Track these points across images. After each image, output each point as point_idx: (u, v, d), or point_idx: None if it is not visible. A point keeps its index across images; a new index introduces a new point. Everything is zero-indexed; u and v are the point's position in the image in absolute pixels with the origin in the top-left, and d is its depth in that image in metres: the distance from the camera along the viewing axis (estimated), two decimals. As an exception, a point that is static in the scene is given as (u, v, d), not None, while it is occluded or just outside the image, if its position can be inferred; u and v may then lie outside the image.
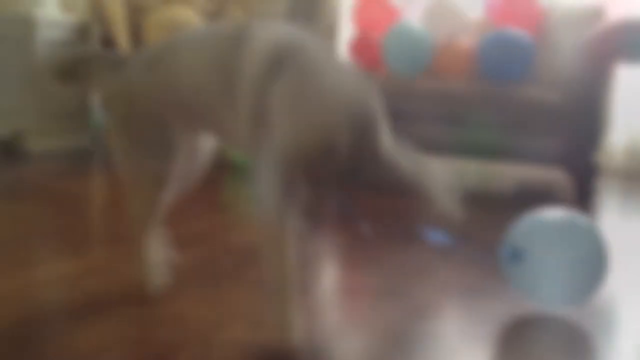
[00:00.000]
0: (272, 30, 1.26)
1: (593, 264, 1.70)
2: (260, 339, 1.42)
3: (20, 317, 1.50)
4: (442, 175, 1.22)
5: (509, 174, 4.28)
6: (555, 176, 4.09)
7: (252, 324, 1.53)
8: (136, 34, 4.16)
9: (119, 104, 1.50)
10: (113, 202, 2.80)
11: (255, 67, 1.21)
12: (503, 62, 3.58)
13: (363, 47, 3.97)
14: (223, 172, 3.61)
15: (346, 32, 4.78)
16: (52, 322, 1.50)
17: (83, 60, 1.52)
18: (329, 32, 5.00)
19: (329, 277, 1.96)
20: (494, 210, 3.09)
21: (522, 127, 3.40)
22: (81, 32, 4.05)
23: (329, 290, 1.87)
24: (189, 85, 1.37)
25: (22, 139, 3.79)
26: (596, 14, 3.62)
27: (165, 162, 1.51)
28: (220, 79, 1.28)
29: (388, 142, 1.20)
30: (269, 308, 1.37)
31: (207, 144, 1.59)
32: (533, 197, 3.67)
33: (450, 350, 1.47)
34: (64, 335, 1.42)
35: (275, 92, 1.16)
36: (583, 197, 3.35)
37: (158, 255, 1.62)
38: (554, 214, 1.75)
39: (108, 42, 3.81)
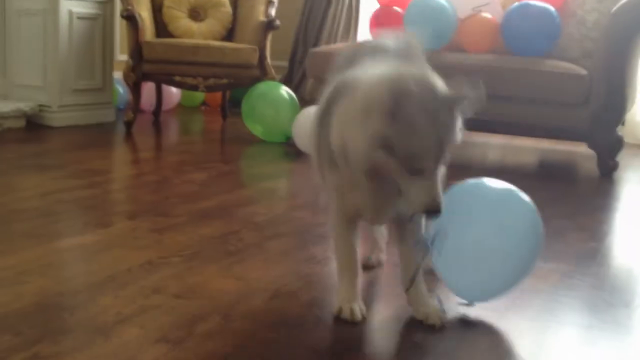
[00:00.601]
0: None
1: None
2: (277, 310, 1.44)
3: (44, 288, 1.54)
4: None
5: (533, 147, 4.24)
6: (579, 149, 4.06)
7: (270, 296, 1.55)
8: (158, 9, 4.17)
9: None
10: (134, 176, 2.84)
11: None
12: (528, 35, 3.54)
13: (385, 19, 3.95)
14: (245, 149, 3.63)
15: (369, 4, 4.75)
16: (74, 293, 1.54)
17: None
18: (350, 7, 4.97)
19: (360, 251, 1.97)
20: (517, 184, 3.07)
21: (547, 101, 3.37)
22: (105, 7, 4.06)
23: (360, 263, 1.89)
24: None
25: (47, 114, 3.83)
26: (623, -15, 3.55)
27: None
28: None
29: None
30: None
31: None
32: (557, 170, 3.65)
33: (476, 323, 1.48)
34: (87, 304, 1.46)
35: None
36: (607, 170, 3.32)
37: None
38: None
39: (130, 17, 3.81)
